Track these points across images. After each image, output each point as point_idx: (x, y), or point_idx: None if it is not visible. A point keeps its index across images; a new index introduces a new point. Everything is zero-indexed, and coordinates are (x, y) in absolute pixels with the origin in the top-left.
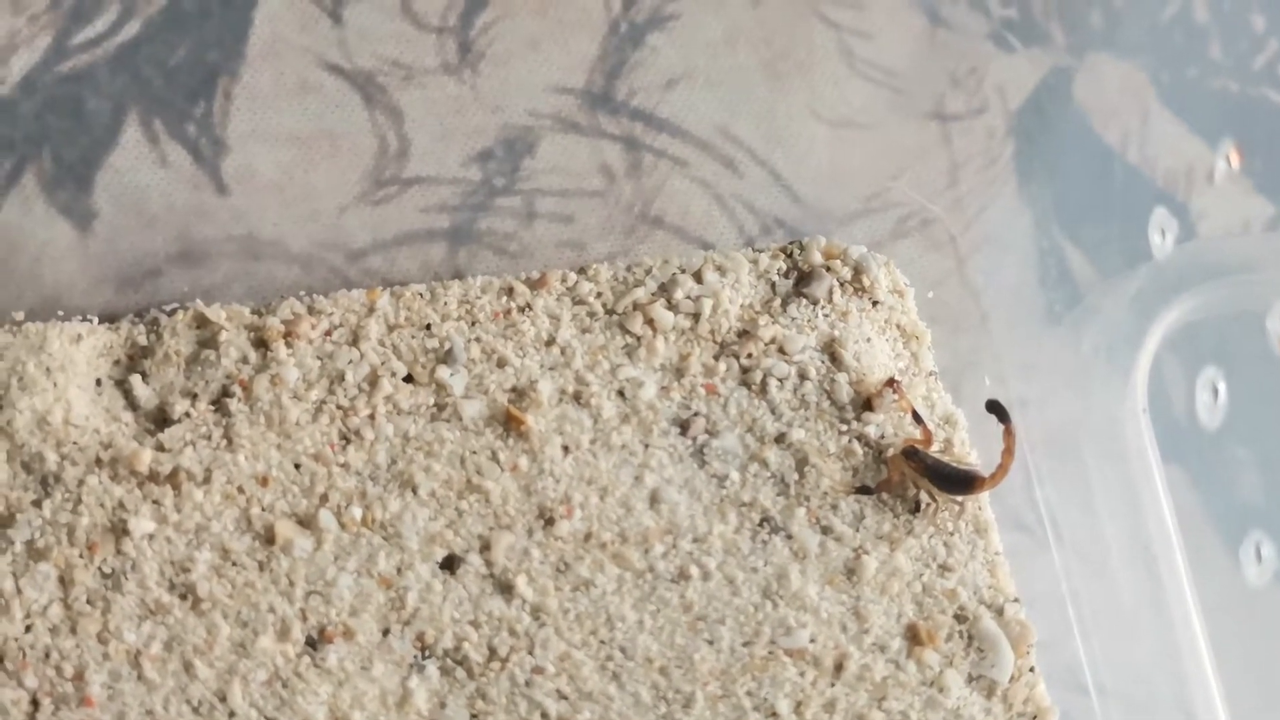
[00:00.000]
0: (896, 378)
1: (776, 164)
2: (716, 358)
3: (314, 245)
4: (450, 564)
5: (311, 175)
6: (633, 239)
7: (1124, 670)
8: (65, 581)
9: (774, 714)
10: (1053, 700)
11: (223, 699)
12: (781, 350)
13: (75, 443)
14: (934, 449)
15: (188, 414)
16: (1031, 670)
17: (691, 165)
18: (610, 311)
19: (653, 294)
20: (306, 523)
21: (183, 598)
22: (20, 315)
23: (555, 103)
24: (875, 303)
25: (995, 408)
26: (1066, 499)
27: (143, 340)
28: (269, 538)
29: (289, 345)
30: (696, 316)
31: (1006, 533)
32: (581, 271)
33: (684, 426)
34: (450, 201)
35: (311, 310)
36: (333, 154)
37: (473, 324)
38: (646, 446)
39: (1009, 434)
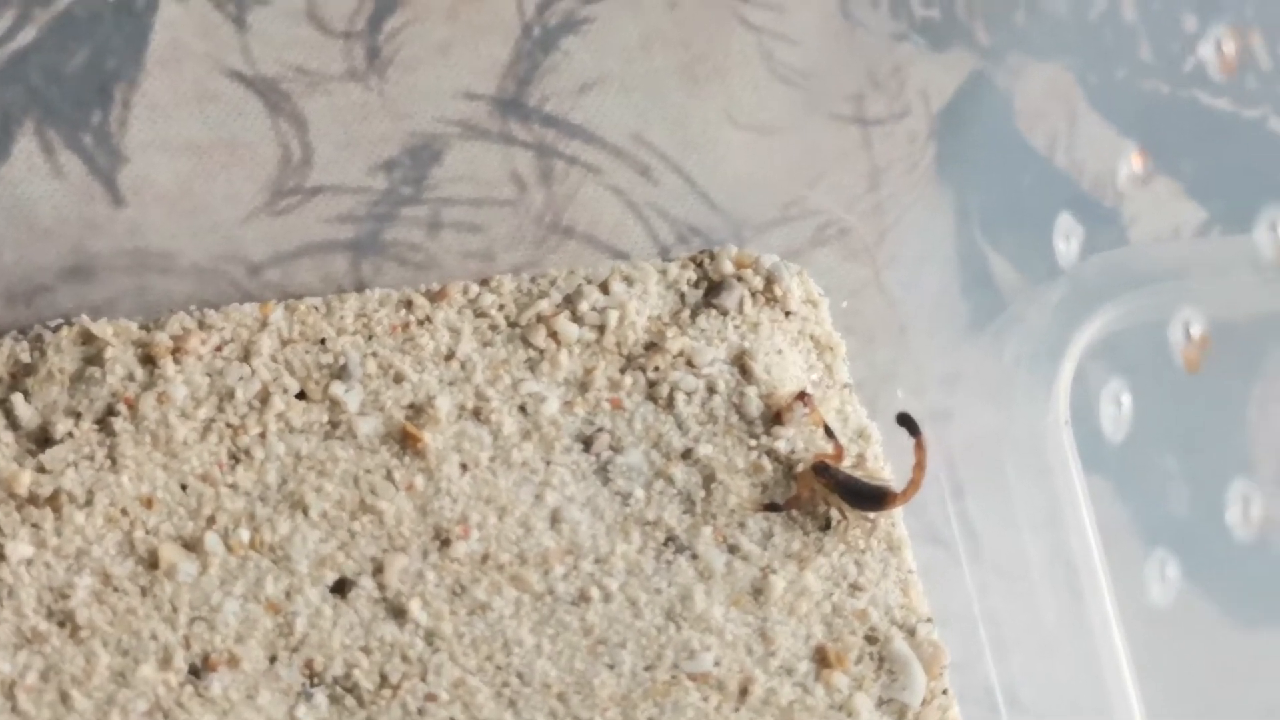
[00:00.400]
0: (808, 390)
1: (692, 171)
2: (622, 371)
3: (213, 258)
4: (341, 588)
5: (212, 186)
6: (543, 249)
7: (1044, 689)
8: None
9: None
10: None
11: None
12: (690, 363)
13: None
14: (846, 464)
15: (70, 434)
16: (945, 693)
17: (605, 173)
18: (513, 324)
19: (557, 306)
20: (192, 546)
21: (61, 625)
22: None
23: (465, 109)
24: (788, 313)
25: (905, 420)
26: (987, 514)
27: (25, 357)
28: (152, 562)
29: (177, 362)
30: (602, 329)
31: (924, 549)
32: (484, 283)
33: (587, 443)
34: (355, 212)
35: (202, 325)
36: (234, 163)
37: (369, 338)
38: (548, 464)
39: (920, 448)
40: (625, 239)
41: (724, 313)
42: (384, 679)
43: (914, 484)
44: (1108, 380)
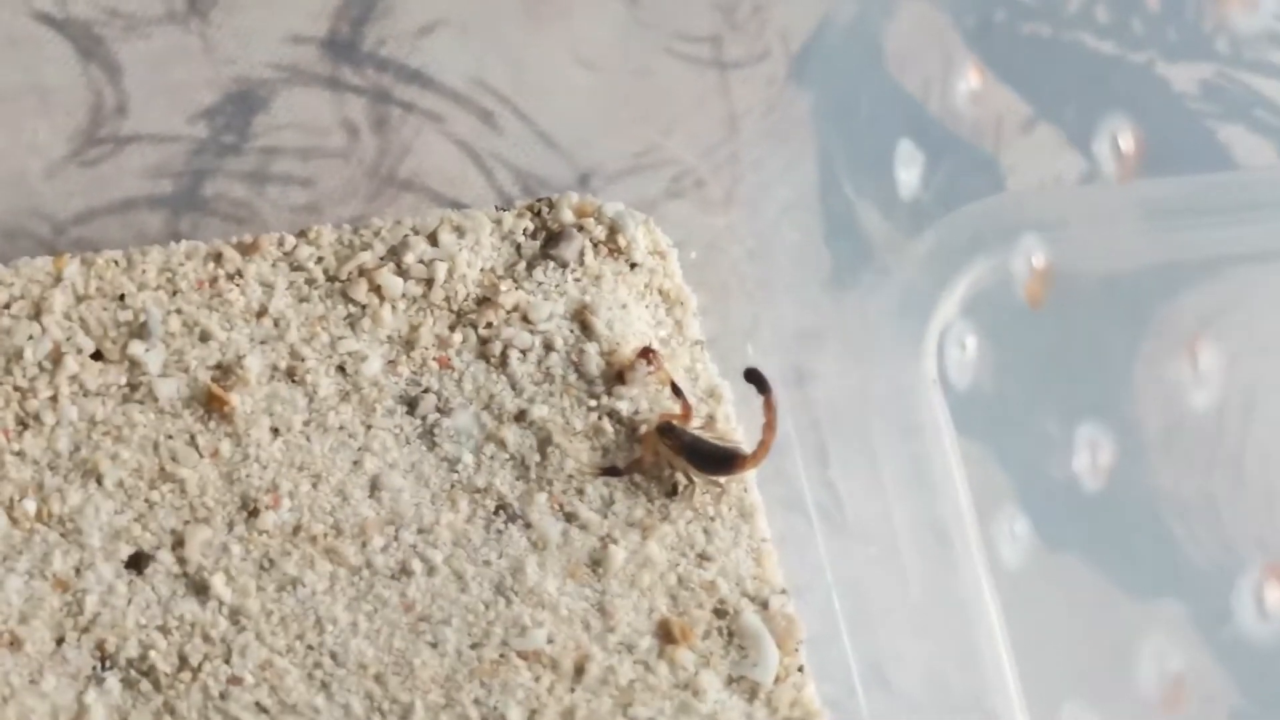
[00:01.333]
0: (654, 347)
1: (538, 117)
2: (452, 328)
3: (16, 214)
4: (137, 562)
5: (15, 135)
6: (379, 203)
7: (911, 666)
8: None
9: None
10: (830, 701)
11: None
12: (525, 319)
13: None
14: (695, 425)
15: None
16: (800, 670)
17: (445, 120)
18: (332, 278)
19: (380, 258)
20: None
21: None
22: None
23: (294, 54)
24: (633, 265)
25: (754, 376)
26: (850, 478)
27: None
28: None
29: None
30: (430, 282)
31: (780, 516)
32: (301, 234)
33: (412, 405)
34: (173, 164)
35: None
36: (40, 112)
37: (174, 294)
38: (368, 428)
39: (769, 406)
40: (466, 191)
41: (563, 265)
42: (183, 661)
43: (763, 445)
44: (966, 330)
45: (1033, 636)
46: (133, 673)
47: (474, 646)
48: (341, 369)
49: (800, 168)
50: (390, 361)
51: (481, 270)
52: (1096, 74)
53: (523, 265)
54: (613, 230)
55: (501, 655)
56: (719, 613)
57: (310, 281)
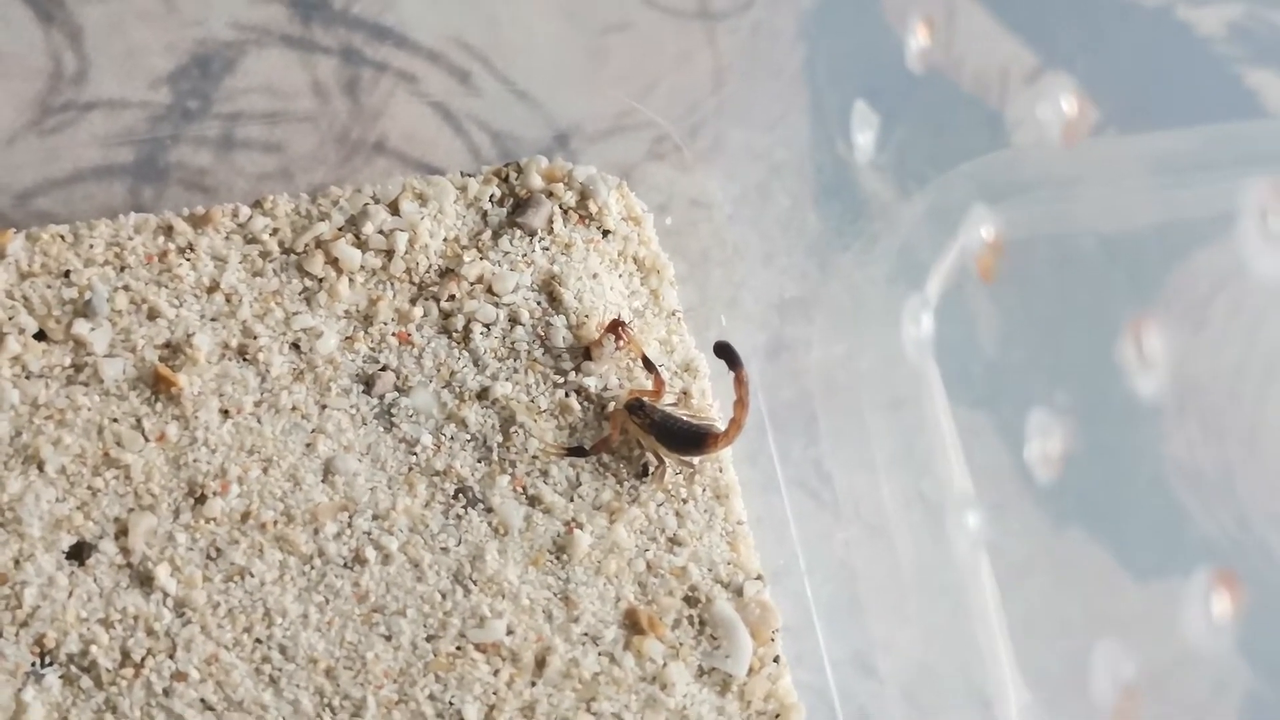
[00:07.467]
0: (624, 319)
1: (517, 78)
2: (413, 302)
3: None
4: (79, 553)
5: None
6: (349, 168)
7: (903, 654)
8: None
9: None
10: (814, 691)
11: None
12: (490, 290)
13: None
14: (668, 401)
15: None
16: (776, 660)
17: (419, 80)
18: (288, 251)
19: (339, 229)
20: None
21: None
22: None
23: (262, 13)
24: (605, 232)
25: (724, 350)
26: (839, 455)
27: None
28: None
29: None
30: (390, 254)
31: (763, 498)
32: (257, 205)
33: (369, 383)
34: (135, 130)
35: None
36: None
37: (121, 269)
38: (323, 408)
39: (740, 382)
40: (442, 155)
41: (531, 233)
42: (126, 656)
43: (735, 423)
44: (923, 304)
45: (1032, 621)
46: (73, 669)
47: (430, 639)
48: (296, 346)
49: (788, 125)
50: (347, 338)
51: (445, 240)
52: (1108, 20)
53: (488, 234)
54: (584, 196)
55: (459, 648)
56: (690, 601)
57: (265, 255)
